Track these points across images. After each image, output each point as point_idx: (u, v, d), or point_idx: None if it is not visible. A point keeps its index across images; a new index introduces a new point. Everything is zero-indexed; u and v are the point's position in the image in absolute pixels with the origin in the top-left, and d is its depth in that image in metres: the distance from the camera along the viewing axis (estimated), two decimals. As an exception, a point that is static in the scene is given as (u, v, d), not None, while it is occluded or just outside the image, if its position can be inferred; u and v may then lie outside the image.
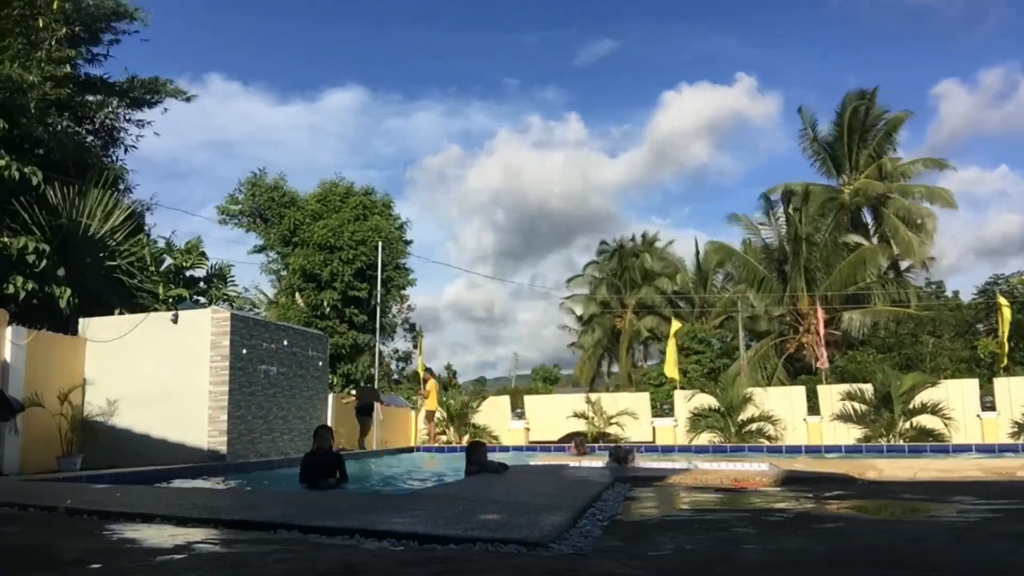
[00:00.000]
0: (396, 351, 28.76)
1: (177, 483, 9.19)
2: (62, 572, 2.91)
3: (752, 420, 17.78)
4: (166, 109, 17.93)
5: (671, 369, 21.81)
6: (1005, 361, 19.30)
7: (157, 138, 17.85)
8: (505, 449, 18.30)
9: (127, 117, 17.48)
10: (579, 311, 44.76)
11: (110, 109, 16.84)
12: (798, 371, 30.07)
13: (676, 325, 22.64)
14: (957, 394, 17.82)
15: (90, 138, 16.94)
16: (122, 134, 17.44)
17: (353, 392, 18.01)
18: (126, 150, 17.59)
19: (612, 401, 20.52)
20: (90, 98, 16.80)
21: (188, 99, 18.09)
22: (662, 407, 23.04)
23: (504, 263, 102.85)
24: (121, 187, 15.62)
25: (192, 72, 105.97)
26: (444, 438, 19.98)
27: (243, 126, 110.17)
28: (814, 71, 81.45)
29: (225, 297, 16.58)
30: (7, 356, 9.97)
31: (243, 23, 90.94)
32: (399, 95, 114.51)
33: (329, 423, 16.44)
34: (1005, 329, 19.24)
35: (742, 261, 32.84)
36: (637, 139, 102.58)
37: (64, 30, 13.95)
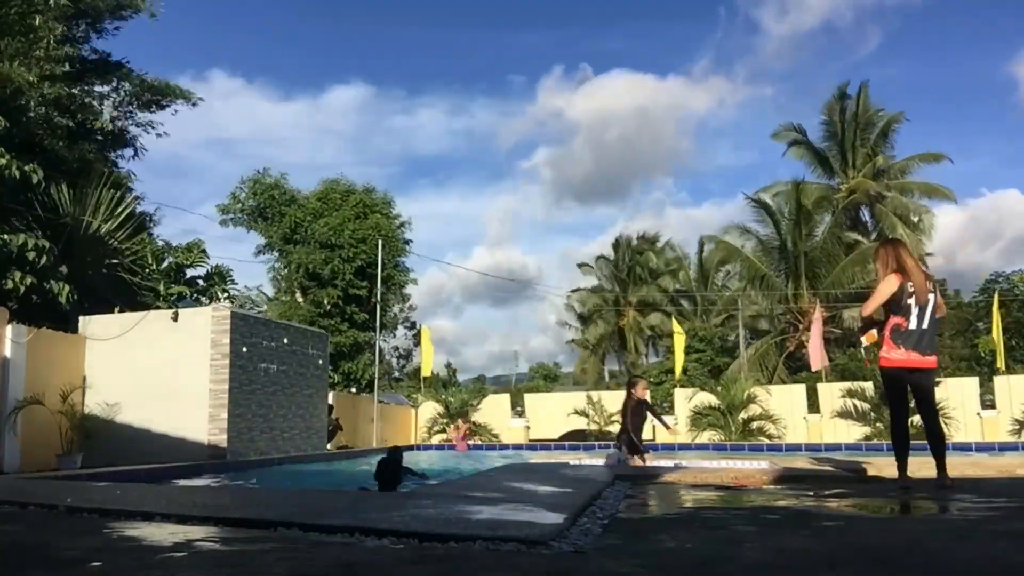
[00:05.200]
0: (396, 348, 28.82)
1: (177, 481, 9.20)
2: (62, 570, 2.91)
3: (753, 419, 17.81)
4: (176, 111, 17.91)
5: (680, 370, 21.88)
6: (1001, 361, 19.37)
7: (160, 137, 17.80)
8: (505, 447, 18.33)
9: (137, 122, 17.48)
10: (580, 309, 44.79)
11: (115, 106, 16.78)
12: (798, 369, 30.10)
13: (680, 334, 22.60)
14: (957, 392, 17.83)
15: (97, 136, 16.92)
16: (130, 136, 17.41)
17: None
18: (136, 152, 17.57)
19: (613, 399, 20.53)
20: (99, 89, 16.71)
21: (195, 104, 17.98)
22: (662, 405, 23.05)
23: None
24: (129, 197, 15.58)
25: (195, 69, 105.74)
26: (444, 436, 19.98)
27: (245, 123, 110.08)
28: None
29: (226, 293, 16.59)
30: (7, 354, 9.99)
31: (246, 20, 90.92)
32: (403, 91, 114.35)
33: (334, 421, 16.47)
34: (996, 328, 19.36)
35: (743, 259, 32.85)
36: (636, 131, 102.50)
37: (61, 28, 13.91)
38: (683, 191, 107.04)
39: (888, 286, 5.73)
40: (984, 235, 65.53)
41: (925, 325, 5.65)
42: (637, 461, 10.11)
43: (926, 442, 6.02)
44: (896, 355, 5.70)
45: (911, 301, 5.65)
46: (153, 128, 17.60)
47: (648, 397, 11.04)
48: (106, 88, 16.91)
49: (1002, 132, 73.64)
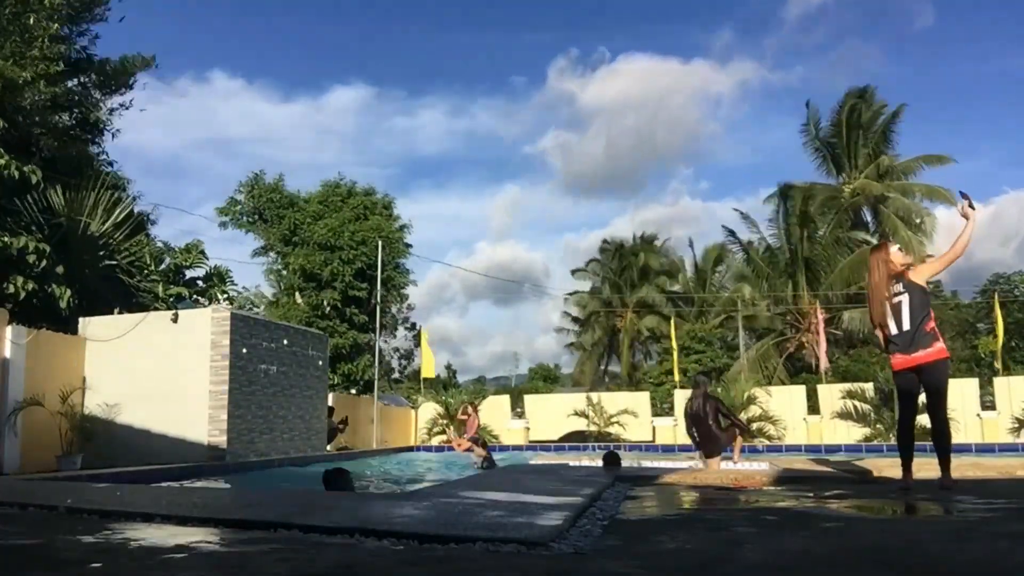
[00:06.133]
0: (396, 349, 28.83)
1: (177, 482, 9.19)
2: (62, 571, 2.91)
3: (753, 420, 17.80)
4: (145, 85, 17.63)
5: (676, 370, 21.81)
6: (1000, 362, 19.44)
7: (157, 135, 17.77)
8: (505, 448, 18.33)
9: (108, 108, 17.21)
10: (577, 312, 44.79)
11: (90, 97, 16.59)
12: (798, 370, 30.11)
13: (673, 340, 22.54)
14: (957, 393, 17.76)
15: (84, 135, 16.82)
16: (103, 123, 17.12)
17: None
18: (114, 136, 17.29)
19: (612, 400, 20.54)
20: (73, 82, 16.54)
21: (155, 67, 17.49)
22: (662, 406, 23.04)
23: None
24: (126, 198, 15.47)
25: (195, 69, 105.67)
26: (444, 437, 19.98)
27: (246, 123, 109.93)
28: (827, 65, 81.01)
29: (225, 295, 16.57)
30: (7, 355, 9.98)
31: (247, 20, 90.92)
32: (404, 92, 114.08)
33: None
34: (999, 330, 19.42)
35: (742, 259, 32.86)
36: (638, 126, 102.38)
37: (56, 26, 13.85)
38: (693, 183, 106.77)
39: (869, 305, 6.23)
40: (1004, 234, 65.57)
41: (906, 326, 5.81)
42: (714, 464, 10.07)
43: (923, 443, 6.12)
44: (894, 360, 5.97)
45: (884, 309, 5.94)
46: (126, 108, 17.26)
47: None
48: (78, 82, 16.64)
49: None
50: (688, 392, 19.82)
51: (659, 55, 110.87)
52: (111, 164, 17.02)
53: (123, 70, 17.07)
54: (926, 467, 6.06)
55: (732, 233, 34.39)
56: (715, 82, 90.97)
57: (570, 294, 45.08)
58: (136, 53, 17.35)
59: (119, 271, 14.40)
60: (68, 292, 12.73)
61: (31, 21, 13.03)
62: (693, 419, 10.69)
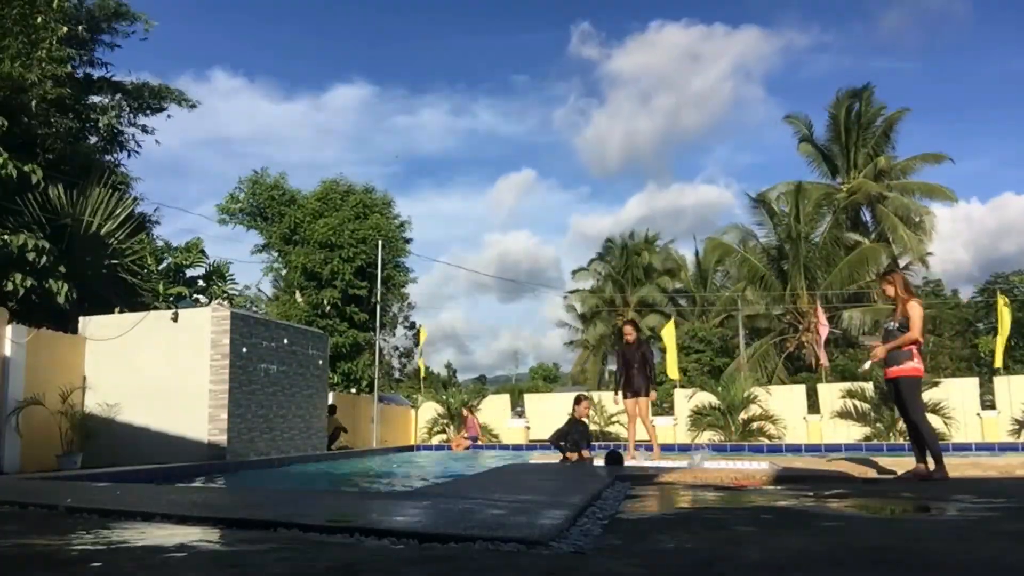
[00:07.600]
0: (396, 348, 28.85)
1: (177, 482, 9.20)
2: (62, 570, 2.91)
3: (753, 419, 17.80)
4: (170, 115, 17.96)
5: (672, 369, 21.74)
6: (1000, 361, 19.39)
7: (158, 133, 17.81)
8: (506, 447, 18.33)
9: (132, 122, 17.47)
10: (580, 309, 44.76)
11: (115, 113, 16.80)
12: (798, 369, 30.11)
13: (670, 328, 22.45)
14: (957, 393, 17.81)
15: (93, 139, 16.92)
16: (126, 138, 17.39)
17: None
18: (129, 155, 17.57)
19: (612, 399, 20.50)
20: (95, 99, 16.79)
21: (192, 106, 18.05)
22: (662, 406, 23.02)
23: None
24: (128, 197, 15.54)
25: (196, 68, 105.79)
26: (444, 436, 19.99)
27: (246, 122, 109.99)
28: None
29: (225, 294, 16.58)
30: (7, 354, 9.99)
31: (248, 18, 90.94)
32: (405, 91, 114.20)
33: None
34: (1003, 329, 19.34)
35: (741, 259, 32.85)
36: (640, 136, 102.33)
37: (65, 29, 13.89)
38: (705, 172, 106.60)
39: (922, 310, 7.02)
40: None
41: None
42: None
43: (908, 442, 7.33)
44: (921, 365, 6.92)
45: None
46: (147, 132, 17.58)
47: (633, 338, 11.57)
48: (105, 100, 16.92)
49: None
50: (689, 391, 19.86)
51: (683, 24, 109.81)
52: (131, 179, 17.23)
53: (159, 94, 17.40)
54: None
55: (737, 226, 34.35)
56: (734, 63, 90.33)
57: (571, 292, 45.07)
58: (177, 88, 17.79)
59: (120, 270, 14.40)
60: (66, 287, 12.72)
61: (38, 21, 13.04)
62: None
